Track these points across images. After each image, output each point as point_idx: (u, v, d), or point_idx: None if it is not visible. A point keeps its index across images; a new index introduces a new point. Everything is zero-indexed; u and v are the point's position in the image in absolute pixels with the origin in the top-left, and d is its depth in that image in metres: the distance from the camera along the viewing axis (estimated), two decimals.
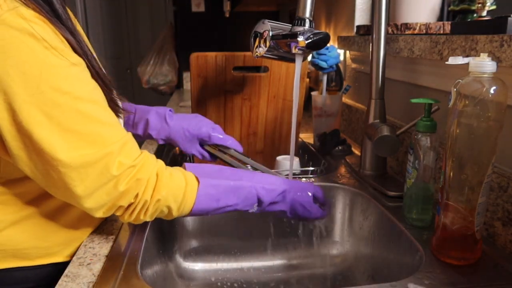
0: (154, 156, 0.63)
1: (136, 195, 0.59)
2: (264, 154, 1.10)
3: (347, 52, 1.34)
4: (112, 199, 0.58)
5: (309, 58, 1.19)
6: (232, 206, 0.66)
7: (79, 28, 0.66)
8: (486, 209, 0.61)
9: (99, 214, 0.59)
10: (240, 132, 1.06)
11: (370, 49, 0.87)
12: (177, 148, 1.22)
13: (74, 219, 0.67)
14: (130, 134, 0.62)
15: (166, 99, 2.48)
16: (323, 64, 1.13)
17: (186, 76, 2.83)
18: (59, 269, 0.64)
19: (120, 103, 0.67)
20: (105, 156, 0.55)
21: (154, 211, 0.61)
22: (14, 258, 0.64)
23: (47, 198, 0.64)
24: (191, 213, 0.65)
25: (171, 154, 1.22)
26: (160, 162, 0.64)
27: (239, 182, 0.67)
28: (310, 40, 0.67)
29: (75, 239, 0.68)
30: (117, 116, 0.64)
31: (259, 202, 0.68)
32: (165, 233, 0.81)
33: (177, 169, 0.65)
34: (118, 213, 0.61)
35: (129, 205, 0.60)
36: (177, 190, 0.62)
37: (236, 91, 1.01)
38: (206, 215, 0.68)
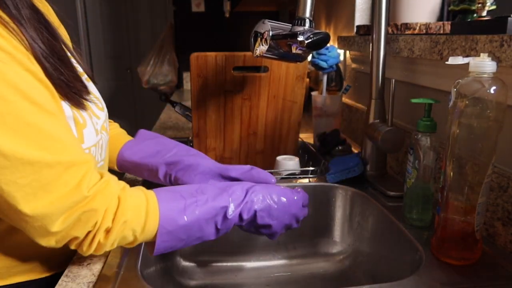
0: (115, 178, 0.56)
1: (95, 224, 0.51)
2: (264, 154, 1.10)
3: (347, 52, 1.34)
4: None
5: (309, 58, 1.19)
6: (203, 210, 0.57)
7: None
8: (486, 209, 0.61)
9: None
10: (240, 132, 1.06)
11: (370, 49, 0.87)
12: None
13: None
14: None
15: None
16: (323, 64, 1.13)
17: (186, 76, 2.83)
18: (44, 284, 0.63)
19: (89, 94, 0.60)
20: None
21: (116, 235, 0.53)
22: None
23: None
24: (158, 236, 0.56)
25: None
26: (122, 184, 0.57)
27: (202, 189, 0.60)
28: (310, 40, 0.67)
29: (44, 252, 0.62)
30: (82, 108, 0.58)
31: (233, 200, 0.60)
32: None
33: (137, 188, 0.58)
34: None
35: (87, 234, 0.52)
36: (138, 209, 0.55)
37: (236, 91, 1.01)
38: (180, 243, 0.58)
